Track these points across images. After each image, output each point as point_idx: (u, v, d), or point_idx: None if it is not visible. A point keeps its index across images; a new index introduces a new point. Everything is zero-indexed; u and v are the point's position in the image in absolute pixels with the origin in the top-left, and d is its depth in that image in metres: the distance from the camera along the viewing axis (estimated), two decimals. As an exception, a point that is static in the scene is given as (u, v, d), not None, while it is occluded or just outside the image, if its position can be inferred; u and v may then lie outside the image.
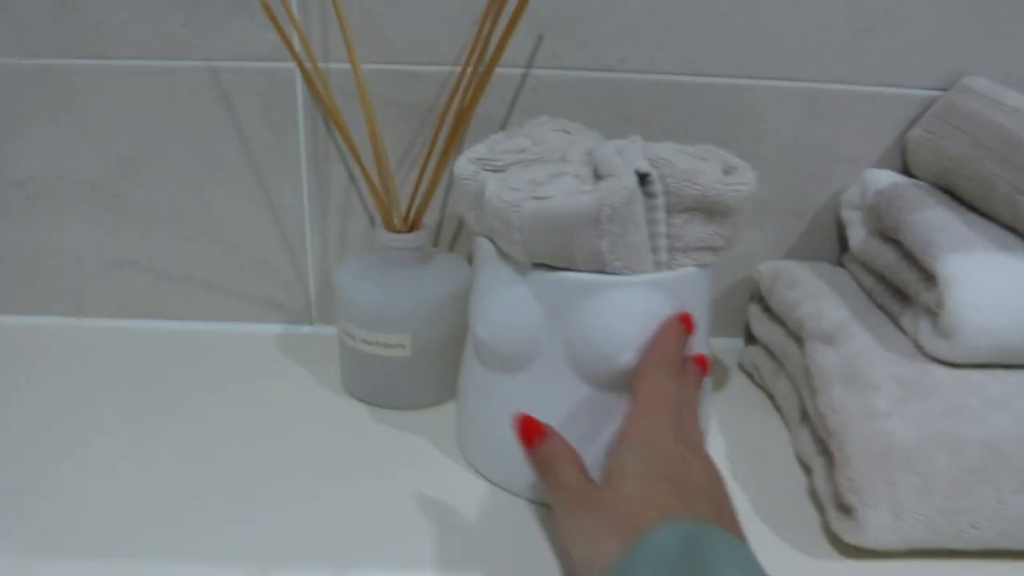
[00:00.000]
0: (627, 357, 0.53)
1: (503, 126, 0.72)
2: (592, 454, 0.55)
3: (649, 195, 0.52)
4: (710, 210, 0.53)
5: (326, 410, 0.68)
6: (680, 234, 0.54)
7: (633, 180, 0.50)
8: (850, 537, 0.53)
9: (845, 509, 0.54)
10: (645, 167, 0.52)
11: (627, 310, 0.53)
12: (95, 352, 0.75)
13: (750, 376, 0.75)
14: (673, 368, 0.52)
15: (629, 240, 0.51)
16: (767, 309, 0.73)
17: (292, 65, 0.70)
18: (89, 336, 0.78)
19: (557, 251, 0.52)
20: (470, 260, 0.66)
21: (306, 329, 0.81)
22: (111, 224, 0.77)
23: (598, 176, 0.53)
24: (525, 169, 0.55)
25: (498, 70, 0.64)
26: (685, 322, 0.54)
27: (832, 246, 0.76)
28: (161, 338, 0.78)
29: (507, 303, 0.55)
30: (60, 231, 0.77)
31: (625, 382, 0.53)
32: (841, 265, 0.74)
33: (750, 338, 0.77)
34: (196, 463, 0.61)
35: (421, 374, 0.67)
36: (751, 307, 0.77)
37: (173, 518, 0.55)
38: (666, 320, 0.54)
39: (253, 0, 0.68)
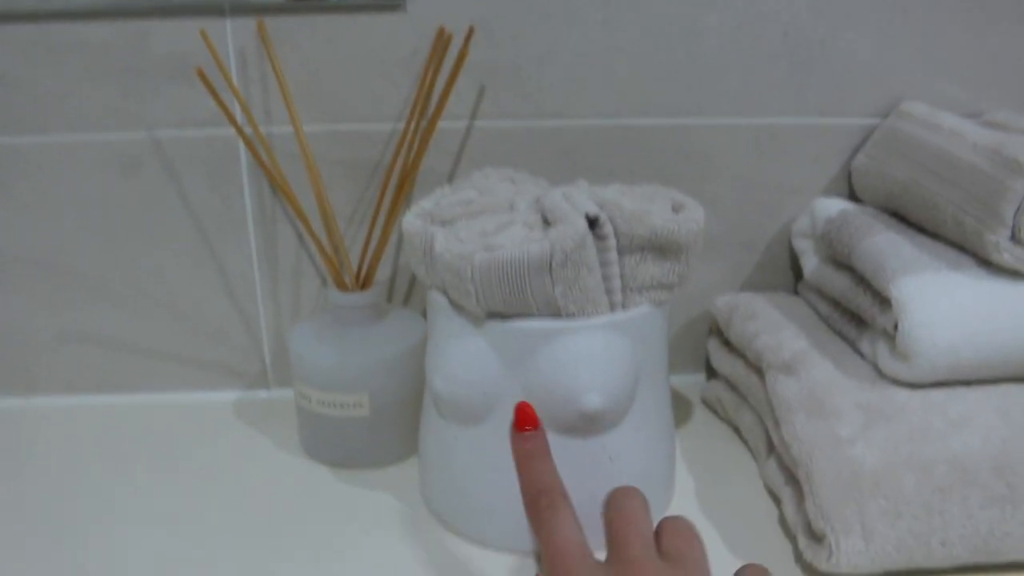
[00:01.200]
0: (589, 399, 0.52)
1: (449, 179, 0.72)
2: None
3: (600, 237, 0.52)
4: (662, 248, 0.53)
5: (288, 475, 0.67)
6: (633, 274, 0.54)
7: (583, 224, 0.50)
8: (823, 564, 0.53)
9: (816, 537, 0.54)
10: (594, 210, 0.52)
11: (586, 353, 0.53)
12: (48, 431, 0.73)
13: (714, 410, 0.75)
14: (551, 501, 0.47)
15: (583, 284, 0.51)
16: (726, 343, 0.73)
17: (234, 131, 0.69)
18: (41, 415, 0.76)
19: (511, 300, 0.52)
20: (425, 314, 0.66)
21: (263, 394, 0.79)
22: (58, 300, 0.75)
23: (547, 223, 0.53)
24: (473, 220, 0.55)
25: (442, 124, 0.64)
26: (523, 423, 0.51)
27: (787, 276, 0.77)
28: (115, 413, 0.76)
29: (463, 355, 0.54)
30: (6, 309, 0.76)
31: (589, 426, 0.53)
32: (797, 293, 0.75)
33: (711, 372, 0.77)
34: (160, 537, 0.59)
35: (381, 432, 0.66)
36: (710, 341, 0.77)
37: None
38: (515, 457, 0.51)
39: (192, 67, 0.67)
